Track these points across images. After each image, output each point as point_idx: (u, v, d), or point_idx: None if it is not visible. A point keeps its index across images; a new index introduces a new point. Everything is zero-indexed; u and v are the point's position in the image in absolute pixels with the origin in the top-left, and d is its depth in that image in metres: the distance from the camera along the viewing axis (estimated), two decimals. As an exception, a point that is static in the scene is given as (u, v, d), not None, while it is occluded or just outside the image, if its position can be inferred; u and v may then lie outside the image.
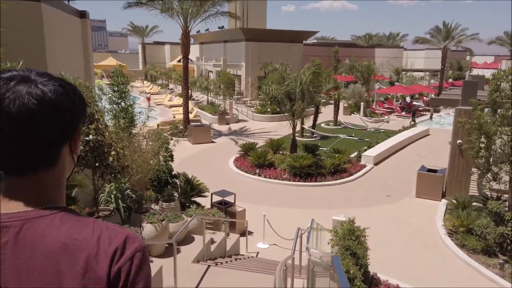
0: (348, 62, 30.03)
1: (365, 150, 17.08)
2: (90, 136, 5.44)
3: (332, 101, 28.13)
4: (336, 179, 13.96)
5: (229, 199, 10.13)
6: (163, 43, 61.59)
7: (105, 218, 6.02)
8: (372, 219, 10.36)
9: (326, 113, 27.85)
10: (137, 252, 0.89)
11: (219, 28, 39.28)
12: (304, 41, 39.94)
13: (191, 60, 21.50)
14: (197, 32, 45.98)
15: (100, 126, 5.71)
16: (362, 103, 29.01)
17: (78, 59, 13.84)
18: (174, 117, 25.46)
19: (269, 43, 34.86)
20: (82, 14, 14.79)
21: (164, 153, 8.24)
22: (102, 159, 5.62)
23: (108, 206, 6.38)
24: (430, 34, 37.85)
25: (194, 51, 48.28)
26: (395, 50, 53.35)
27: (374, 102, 32.96)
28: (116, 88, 8.00)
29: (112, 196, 6.38)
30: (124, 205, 6.49)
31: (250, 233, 9.81)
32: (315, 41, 57.95)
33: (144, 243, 0.92)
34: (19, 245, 0.82)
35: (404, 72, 49.29)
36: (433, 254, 9.04)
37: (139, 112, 8.87)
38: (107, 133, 5.80)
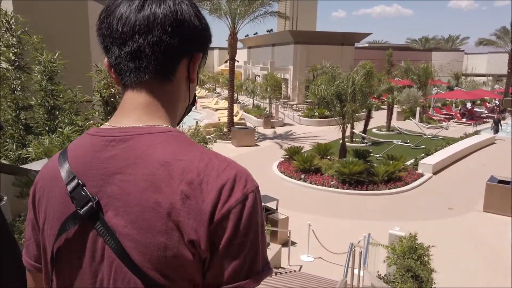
0: (403, 64, 28.19)
1: (423, 157, 15.59)
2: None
3: (384, 106, 26.54)
4: (390, 188, 12.71)
5: (271, 205, 9.35)
6: (212, 48, 62.38)
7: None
8: (433, 235, 9.09)
9: (378, 118, 26.35)
10: (250, 193, 0.75)
11: (267, 31, 38.85)
12: (355, 44, 38.41)
13: (237, 61, 21.05)
14: (245, 36, 45.98)
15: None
16: (418, 108, 27.13)
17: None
18: (219, 120, 25.18)
19: (319, 46, 33.80)
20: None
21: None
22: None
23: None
24: (495, 35, 34.89)
25: (242, 55, 48.28)
26: (454, 53, 50.02)
27: (431, 108, 30.76)
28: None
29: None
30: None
31: (293, 243, 8.95)
32: (367, 44, 55.87)
33: (256, 182, 0.79)
34: (124, 160, 0.77)
35: (464, 77, 46.04)
36: (506, 279, 7.66)
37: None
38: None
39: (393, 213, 11.13)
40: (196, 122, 8.65)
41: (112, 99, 5.02)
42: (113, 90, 5.00)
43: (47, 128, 5.79)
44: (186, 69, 0.84)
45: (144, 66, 0.79)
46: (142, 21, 0.77)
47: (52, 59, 6.34)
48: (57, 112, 6.70)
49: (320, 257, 8.47)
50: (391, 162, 13.57)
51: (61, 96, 6.85)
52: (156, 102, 0.82)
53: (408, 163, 15.12)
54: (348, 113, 12.67)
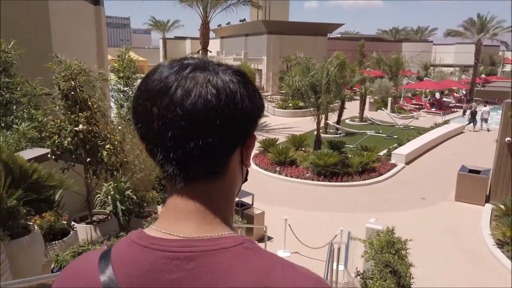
0: (375, 55, 28.46)
1: (395, 148, 15.76)
2: (80, 126, 4.50)
3: (357, 97, 26.72)
4: (365, 179, 12.75)
5: (247, 200, 9.13)
6: (184, 38, 61.11)
7: (100, 223, 5.12)
8: (408, 226, 9.14)
9: (351, 109, 26.54)
10: None
11: (240, 21, 38.30)
12: (328, 35, 38.46)
13: (210, 51, 20.56)
14: (218, 26, 45.20)
15: (93, 114, 4.78)
16: (389, 99, 27.50)
17: (91, 47, 13.10)
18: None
19: (292, 36, 33.59)
20: (96, 1, 14.03)
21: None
22: (95, 153, 4.70)
23: (105, 209, 5.48)
24: (463, 26, 35.71)
25: (215, 45, 47.55)
26: (424, 44, 51.13)
27: (402, 98, 31.30)
28: (121, 74, 7.12)
29: (109, 197, 5.49)
30: (124, 207, 5.58)
31: (270, 238, 8.78)
32: (339, 35, 56.19)
33: None
34: (194, 284, 0.65)
35: (432, 67, 47.12)
36: (483, 269, 7.79)
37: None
38: (102, 124, 4.87)
39: (368, 205, 11.16)
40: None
41: (73, 93, 4.60)
42: (73, 83, 4.58)
43: (2, 125, 5.31)
44: (239, 154, 0.75)
45: (194, 169, 0.69)
46: (188, 121, 0.66)
47: (6, 49, 5.82)
48: (14, 107, 6.18)
49: (297, 252, 8.34)
50: (365, 153, 13.61)
51: (18, 89, 6.33)
52: (213, 203, 0.72)
53: (382, 153, 15.24)
54: (323, 104, 12.55)
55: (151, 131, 0.68)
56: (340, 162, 12.72)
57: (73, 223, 4.99)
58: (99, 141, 4.71)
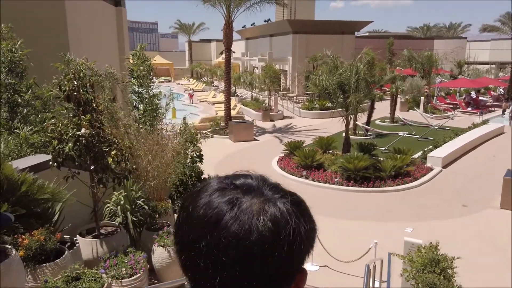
0: (406, 52, 27.19)
1: (431, 150, 14.73)
2: (83, 130, 4.03)
3: (387, 97, 25.52)
4: (398, 184, 11.86)
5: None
6: (209, 41, 61.22)
7: (108, 237, 4.65)
8: (447, 237, 8.28)
9: (381, 109, 25.48)
10: None
11: (265, 21, 37.78)
12: (356, 33, 37.30)
13: (233, 52, 20.12)
14: (242, 27, 44.88)
15: (98, 117, 4.31)
16: (422, 98, 26.20)
17: (111, 48, 12.86)
18: (217, 114, 24.28)
19: (318, 35, 32.71)
20: (117, 2, 13.81)
21: (192, 152, 6.80)
22: (99, 160, 4.22)
23: (114, 221, 5.02)
24: (500, 21, 33.80)
25: (240, 47, 47.27)
26: (457, 41, 48.94)
27: (435, 97, 29.85)
28: (135, 74, 6.68)
29: (119, 207, 5.01)
30: (135, 219, 5.09)
31: (296, 250, 8.12)
32: (367, 34, 54.69)
33: None
34: None
35: (467, 65, 44.93)
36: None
37: (167, 104, 7.45)
38: (108, 127, 4.40)
39: (403, 212, 10.30)
40: (184, 118, 7.76)
41: (75, 93, 4.14)
42: (75, 83, 4.12)
43: (8, 129, 4.96)
44: None
45: None
46: (242, 264, 0.58)
47: (13, 48, 5.48)
48: (24, 110, 5.83)
49: (326, 266, 7.64)
50: (398, 156, 12.71)
51: (29, 91, 5.98)
52: None
53: (416, 156, 14.28)
54: (352, 104, 11.76)
55: (196, 268, 0.60)
56: (372, 165, 11.90)
57: (78, 237, 4.54)
58: (104, 147, 4.23)
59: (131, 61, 7.05)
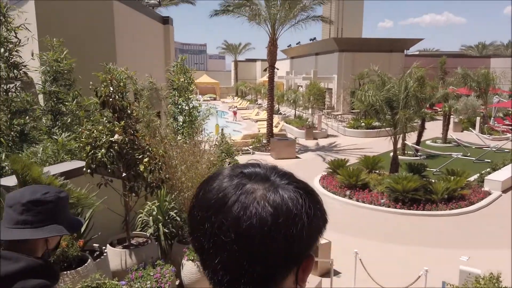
0: (460, 70, 25.77)
1: (489, 173, 13.57)
2: (116, 136, 3.95)
3: (438, 117, 24.21)
4: (452, 208, 10.94)
5: (311, 227, 8.07)
6: (254, 60, 62.14)
7: (138, 248, 4.50)
8: (508, 267, 7.37)
9: (431, 129, 24.16)
10: None
11: (310, 40, 37.72)
12: (405, 52, 36.14)
13: (277, 69, 20.08)
14: (288, 47, 45.13)
15: (133, 124, 4.23)
16: (477, 118, 24.58)
17: (158, 63, 13.22)
18: (259, 131, 24.22)
19: (365, 54, 31.99)
20: (165, 20, 14.27)
21: (228, 165, 6.61)
22: (132, 167, 4.12)
23: (146, 232, 4.88)
24: None
25: (285, 66, 47.50)
26: (516, 59, 45.78)
27: (492, 118, 27.89)
28: (175, 85, 6.67)
29: (151, 218, 4.88)
30: (167, 230, 4.93)
31: (337, 273, 7.59)
32: (417, 52, 52.93)
33: None
34: None
35: (527, 85, 41.88)
36: None
37: (206, 115, 7.36)
38: (141, 134, 4.30)
39: (457, 239, 9.42)
40: (222, 129, 7.62)
41: (111, 99, 4.09)
42: (111, 89, 4.08)
43: (46, 136, 5.05)
44: (294, 275, 0.67)
45: None
46: (241, 245, 0.61)
47: (58, 58, 5.65)
48: (68, 119, 5.96)
49: (369, 293, 7.03)
50: (451, 177, 11.78)
51: (74, 101, 6.13)
52: None
53: (472, 179, 13.19)
54: (400, 121, 11.11)
55: (202, 248, 0.64)
56: (422, 187, 11.09)
57: (108, 246, 4.43)
58: (137, 154, 4.13)
59: (172, 73, 7.07)
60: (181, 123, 6.51)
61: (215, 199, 0.63)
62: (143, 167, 4.06)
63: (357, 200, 11.61)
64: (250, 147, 19.56)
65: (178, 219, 4.95)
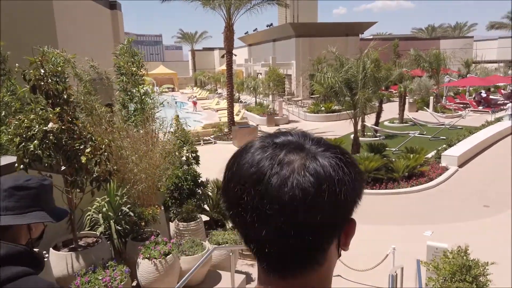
0: (413, 52, 26.48)
1: (445, 149, 13.98)
2: (50, 125, 3.44)
3: (394, 99, 24.80)
4: (413, 185, 11.13)
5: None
6: (212, 49, 61.05)
7: (86, 249, 4.03)
8: (471, 240, 7.51)
9: (388, 111, 24.74)
10: None
11: (267, 26, 37.42)
12: (360, 36, 36.71)
13: (235, 55, 19.63)
14: (245, 34, 44.59)
15: (71, 110, 3.73)
16: (431, 98, 25.44)
17: (108, 52, 12.37)
18: (220, 120, 23.74)
19: (322, 38, 32.12)
20: (112, 5, 13.38)
21: (186, 153, 6.17)
22: (72, 159, 3.63)
23: (96, 230, 4.41)
24: (508, 17, 33.03)
25: (243, 53, 47.02)
26: (463, 40, 48.03)
27: (444, 97, 29.01)
28: (123, 70, 6.12)
29: (101, 215, 4.40)
30: (120, 228, 4.48)
31: (305, 258, 7.44)
32: (371, 36, 54.10)
33: None
34: None
35: (474, 64, 44.06)
36: None
37: (161, 103, 6.86)
38: (81, 122, 3.80)
39: (419, 215, 9.56)
40: (177, 116, 7.16)
41: (42, 83, 3.56)
42: (42, 71, 3.54)
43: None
44: (337, 240, 0.69)
45: (290, 265, 0.65)
46: (285, 217, 0.60)
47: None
48: (0, 112, 5.28)
49: (339, 275, 6.93)
50: (411, 155, 11.98)
51: (8, 92, 5.45)
52: None
53: (429, 155, 13.53)
54: (360, 101, 11.10)
55: (244, 222, 0.63)
56: (383, 166, 11.19)
57: (51, 250, 3.93)
58: (77, 144, 3.64)
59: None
60: (132, 111, 5.99)
61: (252, 172, 0.61)
62: (85, 158, 3.58)
63: (322, 183, 11.54)
64: (212, 136, 19.10)
65: (132, 214, 4.51)
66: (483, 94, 29.16)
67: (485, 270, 4.58)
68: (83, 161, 3.61)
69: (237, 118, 22.66)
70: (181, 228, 5.28)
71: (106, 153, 3.93)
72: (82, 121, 3.93)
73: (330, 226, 0.63)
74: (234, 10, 18.22)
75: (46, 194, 1.46)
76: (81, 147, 3.69)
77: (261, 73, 36.78)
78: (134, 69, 6.11)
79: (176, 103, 37.52)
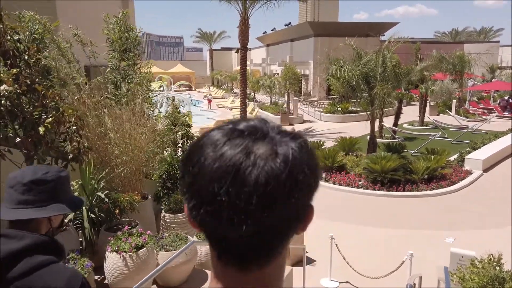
0: (435, 53, 25.36)
1: (469, 152, 13.04)
2: (3, 86, 2.90)
3: (414, 102, 23.73)
4: (433, 189, 10.29)
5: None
6: (230, 49, 60.69)
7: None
8: (496, 248, 6.70)
9: (408, 114, 23.84)
10: None
11: (285, 25, 36.78)
12: (381, 38, 35.64)
13: (250, 49, 19.06)
14: (263, 33, 44.08)
15: (32, 73, 3.17)
16: (454, 101, 24.32)
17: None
18: (234, 117, 23.20)
19: (341, 38, 31.25)
20: (123, -10, 12.95)
21: (181, 139, 5.56)
22: (28, 129, 3.07)
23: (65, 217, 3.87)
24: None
25: (261, 54, 46.54)
26: (488, 45, 46.15)
27: (467, 102, 27.75)
28: (115, 46, 5.58)
29: (71, 199, 3.87)
30: (93, 216, 3.90)
31: (311, 261, 6.75)
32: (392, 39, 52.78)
33: None
34: None
35: (499, 70, 42.35)
36: None
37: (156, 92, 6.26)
38: (43, 88, 3.22)
39: (440, 220, 8.73)
40: (173, 97, 6.56)
41: (-1, 40, 3.01)
42: (1, 26, 3.00)
43: None
44: (300, 225, 0.67)
45: (254, 255, 0.64)
46: (262, 209, 0.59)
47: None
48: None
49: (347, 282, 6.22)
50: (432, 156, 11.13)
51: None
52: (269, 283, 0.67)
53: (452, 158, 12.63)
54: (378, 96, 10.32)
55: (218, 220, 0.60)
56: (401, 167, 10.39)
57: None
58: (36, 113, 3.08)
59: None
60: (124, 92, 5.43)
61: (226, 167, 0.58)
62: (43, 129, 3.02)
63: (334, 183, 10.82)
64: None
65: (107, 200, 3.94)
66: (510, 100, 27.81)
67: (521, 283, 3.82)
68: (40, 132, 3.04)
69: (251, 116, 22.10)
70: (167, 220, 4.68)
71: (74, 127, 3.35)
72: (44, 86, 3.35)
73: (299, 212, 0.63)
74: (250, 3, 17.66)
75: (64, 186, 1.52)
76: (42, 115, 3.12)
77: (277, 73, 36.15)
78: (130, 45, 5.55)
79: (191, 101, 37.32)
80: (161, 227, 4.82)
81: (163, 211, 4.87)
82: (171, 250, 3.78)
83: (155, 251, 3.68)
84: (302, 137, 0.65)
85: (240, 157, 0.58)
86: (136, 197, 4.35)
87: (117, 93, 5.38)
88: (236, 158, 0.58)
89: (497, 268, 3.84)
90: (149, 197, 4.93)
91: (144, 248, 3.49)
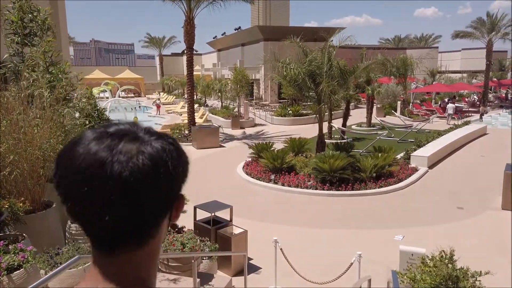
0: (380, 56, 26.05)
1: (414, 149, 13.18)
2: None
3: (361, 105, 24.15)
4: (381, 186, 10.15)
5: (223, 214, 6.57)
6: (181, 54, 59.32)
7: None
8: (446, 244, 6.52)
9: (356, 116, 24.27)
10: None
11: (235, 29, 36.44)
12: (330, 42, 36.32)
13: (196, 51, 18.38)
14: (213, 38, 43.46)
15: None
16: (399, 102, 25.07)
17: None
18: (182, 121, 22.29)
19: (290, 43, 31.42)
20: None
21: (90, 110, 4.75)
22: None
23: None
24: (471, 27, 33.47)
25: (212, 59, 45.94)
26: (429, 50, 48.68)
27: (411, 104, 28.81)
28: (15, 27, 4.71)
29: None
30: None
31: (256, 269, 6.18)
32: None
33: None
34: None
35: (439, 74, 44.79)
36: None
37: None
38: None
39: (389, 218, 8.53)
40: (91, 88, 5.76)
41: None
42: None
43: None
44: (170, 213, 0.72)
45: (126, 241, 0.67)
46: (128, 199, 0.63)
47: None
48: None
49: (294, 289, 5.70)
50: (379, 154, 11.04)
51: None
52: (140, 269, 0.71)
53: (398, 156, 12.68)
54: (324, 93, 10.05)
55: (86, 212, 0.63)
56: (349, 165, 10.17)
57: None
58: None
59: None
60: (29, 82, 4.58)
61: (91, 163, 0.61)
62: None
63: (283, 184, 10.38)
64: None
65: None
66: (448, 102, 29.24)
67: (476, 279, 3.48)
68: None
69: (200, 121, 21.36)
70: (73, 232, 3.90)
71: None
72: None
73: (166, 202, 0.67)
74: (195, 3, 16.99)
75: None
76: None
77: (229, 78, 35.66)
78: (33, 28, 4.71)
79: (140, 107, 35.76)
80: (66, 241, 4.02)
81: (68, 222, 4.07)
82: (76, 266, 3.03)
83: (44, 271, 2.92)
84: (168, 137, 0.70)
85: (105, 154, 0.61)
86: (21, 204, 3.50)
87: (18, 83, 4.51)
88: (100, 154, 0.60)
89: (450, 265, 3.47)
90: (54, 205, 4.11)
91: (22, 269, 2.72)
